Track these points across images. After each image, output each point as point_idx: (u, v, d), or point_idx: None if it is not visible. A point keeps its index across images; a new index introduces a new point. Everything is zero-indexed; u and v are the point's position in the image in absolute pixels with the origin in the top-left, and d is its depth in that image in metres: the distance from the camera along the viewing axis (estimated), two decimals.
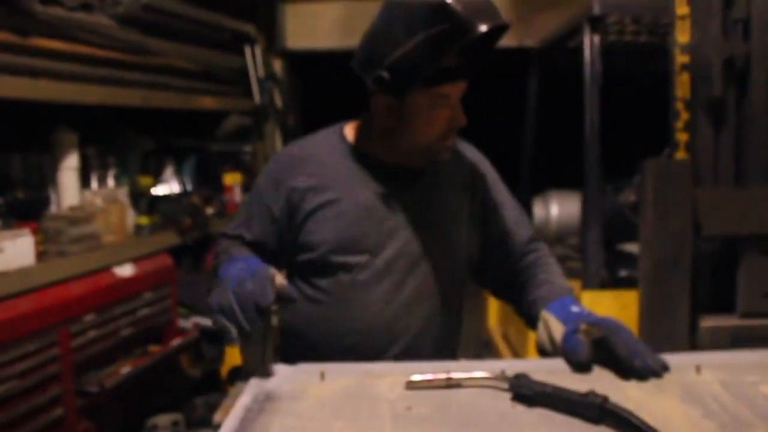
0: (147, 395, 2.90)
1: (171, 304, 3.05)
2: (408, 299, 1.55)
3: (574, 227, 3.39)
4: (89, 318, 2.52)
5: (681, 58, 1.82)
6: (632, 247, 2.85)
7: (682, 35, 1.82)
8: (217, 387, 3.44)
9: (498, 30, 1.42)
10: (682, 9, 1.81)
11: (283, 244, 1.60)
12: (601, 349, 1.29)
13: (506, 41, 4.65)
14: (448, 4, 1.34)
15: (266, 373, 1.31)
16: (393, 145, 1.55)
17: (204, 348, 3.41)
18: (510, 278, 1.64)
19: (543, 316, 1.46)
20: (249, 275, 1.31)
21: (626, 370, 1.25)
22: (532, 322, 1.55)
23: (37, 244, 2.37)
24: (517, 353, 3.38)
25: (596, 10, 2.64)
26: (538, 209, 3.59)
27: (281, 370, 1.31)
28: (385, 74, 1.42)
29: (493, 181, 1.69)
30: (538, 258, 1.63)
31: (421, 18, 1.36)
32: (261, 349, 1.34)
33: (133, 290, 2.80)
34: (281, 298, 1.30)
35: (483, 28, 1.35)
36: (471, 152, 1.70)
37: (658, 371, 1.25)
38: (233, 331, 1.27)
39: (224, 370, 3.43)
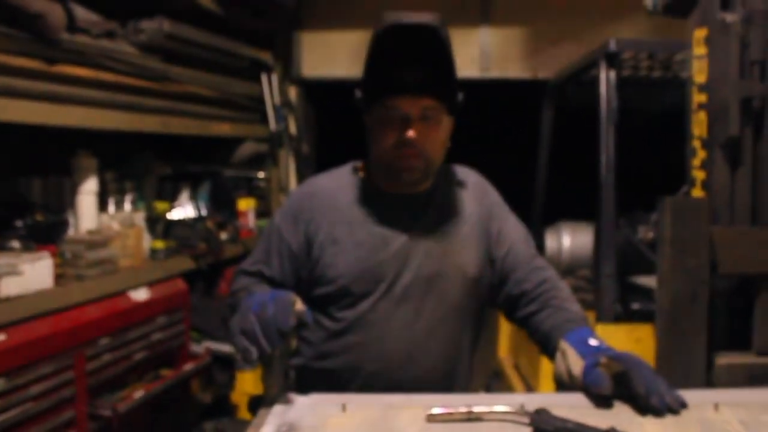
0: (158, 419, 2.90)
1: (184, 329, 3.06)
2: (428, 323, 1.59)
3: (585, 259, 3.40)
4: (104, 341, 2.53)
5: (698, 97, 1.85)
6: (644, 280, 2.86)
7: (699, 75, 1.85)
8: (227, 412, 3.45)
9: (437, 36, 1.45)
10: (699, 49, 1.84)
11: (300, 280, 1.64)
12: (619, 383, 1.30)
13: (520, 73, 4.69)
14: (382, 18, 1.45)
15: (286, 399, 1.33)
16: (378, 172, 1.63)
17: (215, 373, 3.42)
18: (519, 296, 1.65)
19: (561, 347, 1.47)
20: (270, 300, 1.35)
21: (643, 406, 1.26)
22: (547, 349, 1.57)
23: (56, 267, 2.39)
24: (528, 383, 3.37)
25: (612, 46, 2.68)
26: (549, 240, 3.60)
27: (303, 401, 1.32)
28: (358, 92, 1.55)
29: (497, 202, 1.74)
30: (545, 279, 1.65)
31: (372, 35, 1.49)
32: (281, 373, 1.38)
33: (147, 314, 2.81)
34: (298, 322, 1.34)
35: (389, 20, 1.43)
36: (474, 177, 1.76)
37: (675, 409, 1.26)
38: (254, 353, 1.31)
39: (235, 396, 3.44)
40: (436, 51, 1.46)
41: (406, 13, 1.43)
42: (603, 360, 1.33)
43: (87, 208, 2.77)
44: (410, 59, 1.47)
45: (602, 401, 1.30)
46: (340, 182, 1.68)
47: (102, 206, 2.90)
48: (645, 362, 1.32)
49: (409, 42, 1.44)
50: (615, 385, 1.30)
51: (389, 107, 1.51)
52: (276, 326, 1.30)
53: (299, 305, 1.36)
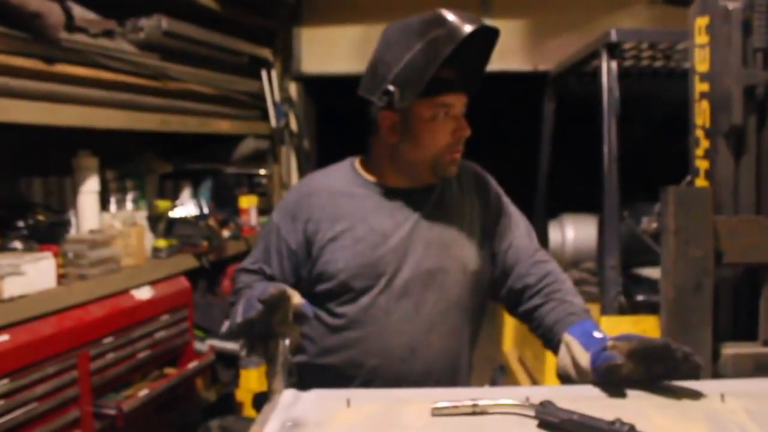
0: (163, 417, 2.90)
1: (188, 327, 3.06)
2: (429, 317, 1.59)
3: (589, 251, 3.38)
4: (108, 341, 2.53)
5: (700, 86, 1.84)
6: (648, 272, 2.85)
7: (701, 64, 1.84)
8: (232, 410, 3.44)
9: (487, 38, 1.55)
10: (701, 38, 1.83)
11: (300, 278, 1.65)
12: (631, 359, 1.28)
13: (521, 65, 4.68)
14: (440, 13, 1.48)
15: (290, 395, 1.33)
16: (401, 166, 1.62)
17: (219, 371, 3.42)
18: (522, 290, 1.65)
19: (565, 340, 1.47)
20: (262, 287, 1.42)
21: (667, 360, 1.25)
22: (550, 342, 1.57)
23: (58, 267, 2.39)
24: (534, 377, 3.37)
25: (613, 37, 2.66)
26: (553, 233, 3.59)
27: (307, 397, 1.31)
28: (390, 88, 1.51)
29: (498, 195, 1.75)
30: (548, 273, 1.65)
31: (418, 30, 1.49)
32: (284, 370, 1.39)
33: (150, 313, 2.81)
34: (298, 315, 1.39)
35: (470, 27, 1.46)
36: (473, 169, 1.76)
37: (699, 362, 1.25)
38: (224, 326, 1.41)
39: (239, 393, 3.44)
40: (477, 49, 1.55)
41: (463, 13, 1.49)
42: (610, 343, 1.32)
43: (88, 208, 2.77)
44: (459, 57, 1.51)
45: (607, 393, 1.29)
46: (338, 179, 1.68)
47: (103, 205, 2.90)
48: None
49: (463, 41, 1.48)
50: (627, 361, 1.28)
51: (439, 105, 1.54)
52: (256, 298, 1.35)
53: (297, 298, 1.38)
